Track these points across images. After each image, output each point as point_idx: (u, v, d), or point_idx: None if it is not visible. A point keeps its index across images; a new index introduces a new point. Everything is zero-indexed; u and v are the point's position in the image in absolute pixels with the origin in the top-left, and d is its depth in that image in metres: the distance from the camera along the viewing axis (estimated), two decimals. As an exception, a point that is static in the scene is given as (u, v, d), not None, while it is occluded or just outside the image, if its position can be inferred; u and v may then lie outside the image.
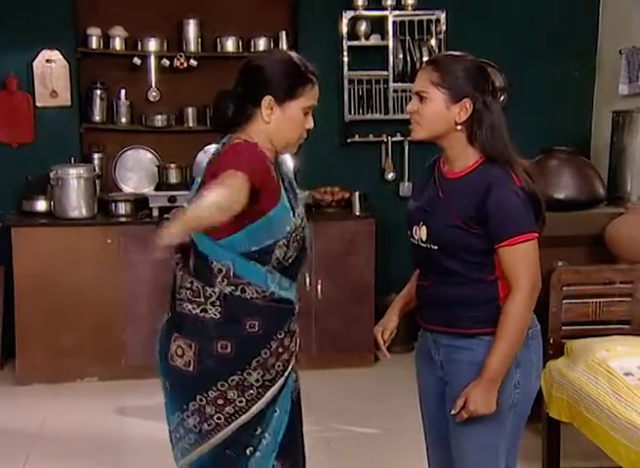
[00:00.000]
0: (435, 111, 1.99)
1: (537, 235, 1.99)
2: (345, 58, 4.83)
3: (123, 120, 4.92)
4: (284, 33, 5.01)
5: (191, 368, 2.04)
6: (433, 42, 4.90)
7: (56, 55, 4.71)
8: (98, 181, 4.69)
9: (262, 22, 5.01)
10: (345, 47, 4.87)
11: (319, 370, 4.41)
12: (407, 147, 5.00)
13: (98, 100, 4.87)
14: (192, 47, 4.92)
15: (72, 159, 4.66)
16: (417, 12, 4.90)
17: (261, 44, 4.96)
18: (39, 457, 3.49)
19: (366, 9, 4.89)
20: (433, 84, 1.99)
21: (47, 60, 4.71)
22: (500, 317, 1.98)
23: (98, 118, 4.89)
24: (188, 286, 2.05)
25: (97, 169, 4.77)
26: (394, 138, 5.00)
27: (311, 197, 4.69)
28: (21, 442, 3.61)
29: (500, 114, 2.03)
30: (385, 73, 4.86)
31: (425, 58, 4.84)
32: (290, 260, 2.05)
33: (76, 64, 4.77)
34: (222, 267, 2.01)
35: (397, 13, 4.89)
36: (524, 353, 2.04)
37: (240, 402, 2.03)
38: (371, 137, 5.01)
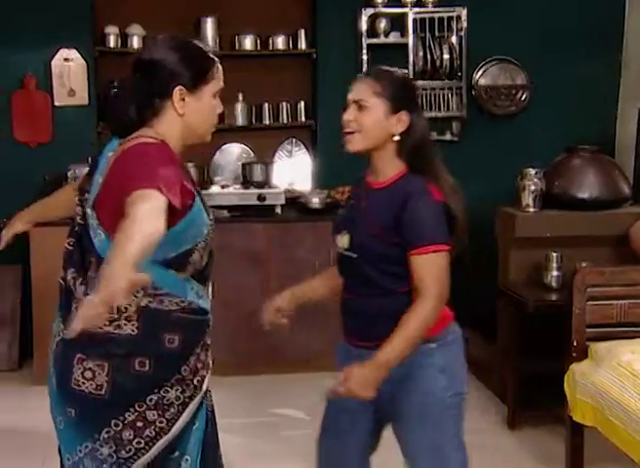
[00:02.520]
0: (375, 120, 2.05)
1: (449, 248, 2.03)
2: (365, 57, 4.82)
3: None
4: (302, 31, 5.02)
5: (104, 391, 1.86)
6: (454, 39, 4.86)
7: (73, 53, 4.74)
8: None
9: (281, 20, 5.03)
10: (365, 45, 4.86)
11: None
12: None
13: (115, 100, 4.87)
14: (210, 45, 4.89)
15: (89, 158, 4.68)
16: (437, 9, 4.88)
17: (280, 42, 4.97)
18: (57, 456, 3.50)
19: (385, 6, 4.87)
20: (375, 94, 2.05)
21: (65, 59, 4.75)
22: (403, 316, 2.00)
23: None
24: None
25: None
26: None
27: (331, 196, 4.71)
28: (39, 441, 3.63)
29: (427, 129, 2.13)
30: (405, 71, 4.84)
31: (446, 56, 4.86)
32: (204, 265, 1.95)
33: (94, 63, 4.80)
34: None
35: (417, 10, 4.88)
36: (447, 358, 2.12)
37: (160, 422, 1.89)
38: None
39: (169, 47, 1.90)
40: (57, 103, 4.76)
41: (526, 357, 3.80)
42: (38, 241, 4.36)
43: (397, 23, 4.93)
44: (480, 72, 5.03)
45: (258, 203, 4.69)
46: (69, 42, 4.71)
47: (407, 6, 4.86)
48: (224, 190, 4.80)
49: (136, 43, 4.86)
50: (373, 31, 4.90)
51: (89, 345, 1.83)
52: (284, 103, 5.09)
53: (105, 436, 1.86)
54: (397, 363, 2.00)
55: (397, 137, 2.07)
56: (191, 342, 1.92)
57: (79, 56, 4.74)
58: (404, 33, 4.90)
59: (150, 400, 1.87)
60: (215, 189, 4.79)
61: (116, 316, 1.83)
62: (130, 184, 1.66)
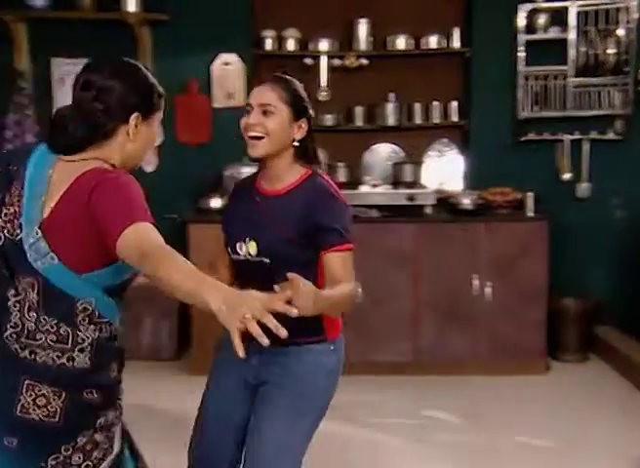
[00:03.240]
0: (281, 126, 2.10)
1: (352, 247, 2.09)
2: (522, 54, 4.72)
3: None
4: (456, 30, 4.98)
5: (57, 418, 1.81)
6: (621, 32, 4.66)
7: (233, 58, 4.91)
8: None
9: (434, 19, 5.01)
10: (522, 41, 4.75)
11: (488, 377, 4.32)
12: (587, 146, 4.79)
13: None
14: (363, 46, 4.99)
15: (245, 158, 4.83)
16: (603, 0, 4.69)
17: (433, 42, 4.96)
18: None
19: (546, 0, 4.74)
20: (281, 99, 2.10)
21: (224, 63, 4.92)
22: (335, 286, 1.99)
23: None
24: (51, 329, 1.80)
25: None
26: (572, 137, 4.81)
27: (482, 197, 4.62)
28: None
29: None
30: (564, 68, 4.69)
31: (611, 51, 4.71)
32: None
33: (251, 66, 4.95)
34: (88, 306, 1.80)
35: (581, 3, 4.72)
36: (333, 362, 2.20)
37: (105, 444, 1.90)
38: (546, 136, 4.84)
39: (129, 71, 1.88)
40: (215, 106, 4.95)
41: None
42: (196, 236, 4.54)
43: (557, 18, 4.79)
44: (648, 67, 4.76)
45: (407, 203, 4.67)
46: (229, 47, 4.89)
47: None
48: (374, 190, 4.82)
49: (292, 46, 4.99)
50: (531, 27, 4.79)
51: (40, 374, 1.79)
52: (435, 103, 5.06)
53: (53, 463, 1.82)
54: (326, 308, 1.92)
55: (296, 143, 2.14)
56: (119, 370, 1.93)
57: (238, 59, 4.91)
58: (565, 28, 4.74)
59: (99, 423, 1.87)
60: (364, 189, 4.83)
61: (69, 347, 1.80)
62: (111, 221, 1.65)
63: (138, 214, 1.68)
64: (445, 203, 4.77)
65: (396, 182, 4.89)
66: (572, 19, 4.69)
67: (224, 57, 4.91)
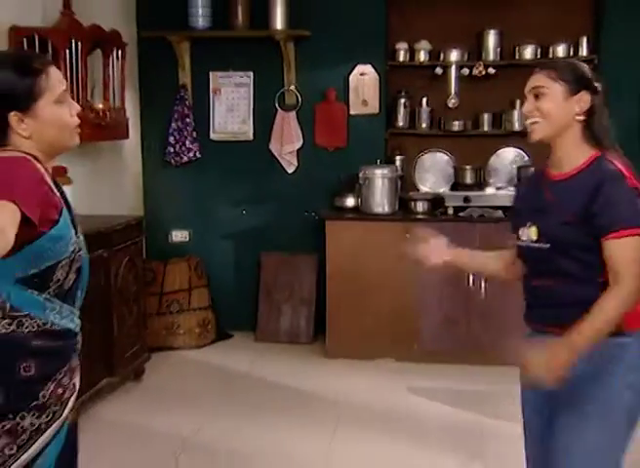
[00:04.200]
0: (556, 104, 1.98)
1: None
2: None
3: (423, 125, 5.19)
4: (584, 38, 4.95)
5: None
6: None
7: (368, 68, 5.12)
8: (399, 181, 4.99)
9: (562, 29, 5.00)
10: None
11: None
12: None
13: (402, 108, 5.18)
14: (491, 56, 5.07)
15: (378, 161, 5.04)
16: None
17: (560, 51, 4.97)
18: (348, 423, 3.88)
19: None
20: (551, 79, 1.99)
21: (361, 74, 5.15)
22: (597, 301, 1.91)
23: (401, 124, 5.21)
24: None
25: (399, 170, 5.08)
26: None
27: None
28: (331, 409, 4.04)
29: (606, 110, 2.02)
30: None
31: None
32: (70, 284, 1.79)
33: (385, 76, 5.14)
34: None
35: None
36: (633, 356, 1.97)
37: (11, 449, 1.74)
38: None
39: None
40: (352, 112, 5.19)
41: None
42: (332, 232, 4.79)
43: None
44: None
45: None
46: (365, 58, 5.11)
47: None
48: (499, 192, 4.88)
49: (422, 56, 5.14)
50: None
51: None
52: None
53: None
54: (586, 347, 1.88)
55: (581, 117, 1.99)
56: (51, 368, 1.77)
57: (373, 70, 5.13)
58: None
59: (3, 427, 1.72)
60: (489, 191, 4.94)
61: None
62: None
63: None
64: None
65: (521, 185, 4.91)
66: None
67: (361, 67, 5.13)
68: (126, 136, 4.70)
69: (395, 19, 5.16)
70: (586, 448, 1.97)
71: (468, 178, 5.04)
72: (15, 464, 1.74)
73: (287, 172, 5.20)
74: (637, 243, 1.91)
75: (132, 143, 5.15)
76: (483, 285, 4.63)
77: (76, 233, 1.77)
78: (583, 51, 4.91)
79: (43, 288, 1.73)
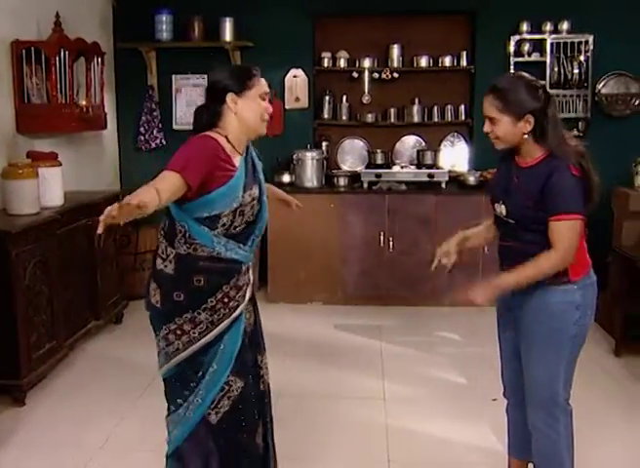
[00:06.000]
0: (506, 130, 2.16)
1: (581, 217, 2.12)
2: (512, 71, 5.10)
3: (344, 117, 5.62)
4: (464, 52, 5.45)
5: (159, 305, 2.13)
6: (582, 58, 5.13)
7: (300, 72, 5.55)
8: (325, 162, 5.37)
9: (448, 44, 5.49)
10: (512, 62, 5.26)
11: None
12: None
13: (326, 104, 5.63)
14: (396, 63, 5.52)
15: (308, 145, 5.46)
16: (569, 35, 5.20)
17: (447, 61, 5.46)
18: (293, 354, 4.18)
19: (529, 33, 5.27)
20: (499, 111, 2.14)
21: (293, 76, 5.54)
22: (535, 259, 2.14)
23: (326, 116, 5.63)
24: (160, 245, 2.15)
25: (324, 152, 5.44)
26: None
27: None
28: (279, 342, 4.12)
29: (555, 111, 2.16)
30: (543, 82, 4.60)
31: (576, 71, 5.12)
32: (237, 229, 2.12)
33: (313, 78, 5.56)
34: (182, 228, 2.07)
35: (554, 36, 5.21)
36: (583, 297, 2.22)
37: (193, 333, 2.11)
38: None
39: (224, 69, 2.17)
40: (287, 107, 5.57)
41: (632, 300, 4.06)
42: (272, 204, 5.02)
43: (538, 46, 5.26)
44: (602, 83, 5.26)
45: (428, 180, 5.13)
46: (297, 64, 5.52)
47: (546, 33, 5.24)
48: (403, 170, 5.28)
49: (342, 63, 5.56)
50: (518, 52, 5.28)
51: (155, 275, 2.15)
52: (449, 106, 5.56)
53: (160, 335, 2.15)
54: (514, 284, 2.14)
55: (526, 136, 2.14)
56: (217, 282, 2.11)
57: (303, 73, 5.55)
58: (543, 53, 5.24)
59: (186, 317, 2.10)
60: (396, 169, 5.33)
61: (165, 257, 2.09)
62: (168, 163, 1.97)
63: (170, 165, 1.95)
64: (455, 180, 5.24)
65: (419, 164, 5.36)
66: (548, 48, 5.20)
67: (294, 71, 5.52)
68: (105, 127, 4.89)
69: (320, 34, 5.56)
70: (541, 361, 2.22)
71: (379, 159, 5.37)
72: (197, 344, 2.09)
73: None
74: (570, 224, 2.11)
75: (109, 133, 5.40)
76: (391, 244, 4.97)
77: (244, 193, 2.09)
78: (464, 61, 5.39)
79: (212, 227, 2.09)
